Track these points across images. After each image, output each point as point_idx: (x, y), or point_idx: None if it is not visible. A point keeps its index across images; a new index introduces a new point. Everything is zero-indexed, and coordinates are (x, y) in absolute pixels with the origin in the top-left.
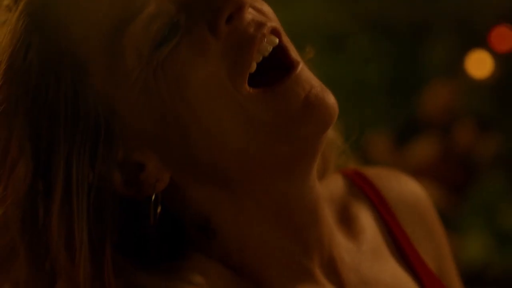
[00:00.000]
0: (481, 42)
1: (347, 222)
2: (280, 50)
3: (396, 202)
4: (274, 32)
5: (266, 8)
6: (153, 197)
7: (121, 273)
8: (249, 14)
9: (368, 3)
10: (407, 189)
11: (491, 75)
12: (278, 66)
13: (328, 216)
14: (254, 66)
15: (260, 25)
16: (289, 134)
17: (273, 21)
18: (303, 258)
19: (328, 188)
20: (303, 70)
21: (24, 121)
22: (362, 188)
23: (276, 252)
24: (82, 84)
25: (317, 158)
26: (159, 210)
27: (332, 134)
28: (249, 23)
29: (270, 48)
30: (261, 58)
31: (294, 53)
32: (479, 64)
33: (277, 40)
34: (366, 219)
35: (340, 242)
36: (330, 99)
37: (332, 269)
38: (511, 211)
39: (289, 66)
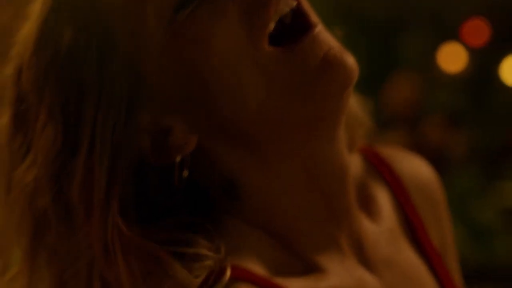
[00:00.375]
0: (455, 36)
1: (365, 201)
2: (300, 15)
3: (410, 183)
4: None
5: None
6: (180, 159)
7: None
8: None
9: None
10: (421, 171)
11: (464, 69)
12: (300, 30)
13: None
14: (271, 26)
15: None
16: (307, 93)
17: None
18: (331, 226)
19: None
20: (322, 32)
21: (54, 86)
22: (378, 168)
23: (304, 217)
24: (108, 50)
25: (340, 121)
26: (186, 174)
27: (360, 113)
28: None
29: (287, 9)
30: (278, 18)
31: (313, 16)
32: (452, 58)
33: (294, 3)
34: (382, 199)
35: (363, 219)
36: (349, 59)
37: (358, 244)
38: (485, 206)
39: (308, 28)
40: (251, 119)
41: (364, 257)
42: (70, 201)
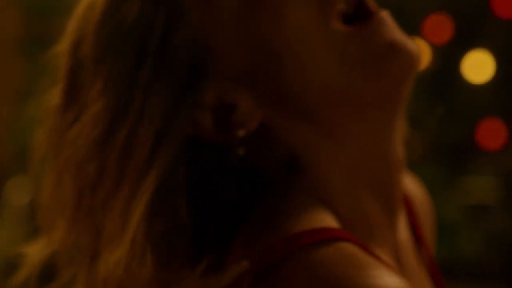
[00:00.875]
0: (417, 32)
1: None
2: (363, 5)
3: (415, 200)
4: None
5: None
6: (242, 135)
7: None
8: None
9: None
10: (420, 191)
11: (427, 66)
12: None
13: None
14: (342, 6)
15: None
16: (374, 73)
17: None
18: (383, 222)
19: None
20: (388, 17)
21: (114, 55)
22: None
23: (362, 204)
24: (176, 20)
25: (401, 109)
26: (242, 152)
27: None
28: None
29: None
30: None
31: (373, 4)
32: None
33: None
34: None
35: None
36: (414, 45)
37: (396, 248)
38: (449, 203)
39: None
40: (320, 95)
41: (399, 263)
42: (107, 170)
